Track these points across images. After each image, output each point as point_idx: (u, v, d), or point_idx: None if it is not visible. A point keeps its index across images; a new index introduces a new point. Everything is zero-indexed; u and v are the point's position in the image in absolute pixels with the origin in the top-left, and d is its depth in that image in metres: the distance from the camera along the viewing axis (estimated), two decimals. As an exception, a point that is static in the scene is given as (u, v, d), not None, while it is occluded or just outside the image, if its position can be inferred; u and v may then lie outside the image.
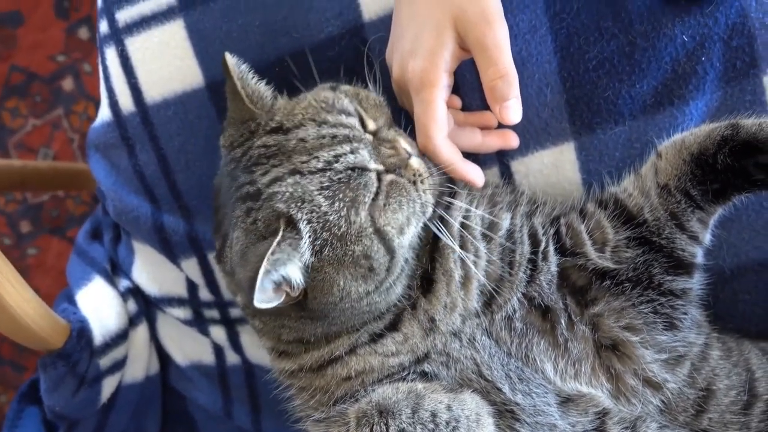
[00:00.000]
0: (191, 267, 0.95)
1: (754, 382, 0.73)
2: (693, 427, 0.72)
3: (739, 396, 0.72)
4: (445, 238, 0.69)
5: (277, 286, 0.64)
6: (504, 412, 0.68)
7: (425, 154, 0.72)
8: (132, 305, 1.00)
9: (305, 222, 0.64)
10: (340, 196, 0.64)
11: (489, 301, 0.72)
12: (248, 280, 0.62)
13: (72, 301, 0.97)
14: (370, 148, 0.68)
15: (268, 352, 0.79)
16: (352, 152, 0.66)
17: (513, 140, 0.79)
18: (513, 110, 0.68)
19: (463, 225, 0.73)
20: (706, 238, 0.74)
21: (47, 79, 1.67)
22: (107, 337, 0.94)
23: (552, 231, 0.75)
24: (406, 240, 0.67)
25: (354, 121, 0.70)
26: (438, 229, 0.69)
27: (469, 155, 0.76)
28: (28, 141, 1.69)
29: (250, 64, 0.76)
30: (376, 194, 0.66)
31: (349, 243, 0.65)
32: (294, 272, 0.64)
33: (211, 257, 0.94)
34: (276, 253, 0.62)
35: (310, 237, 0.64)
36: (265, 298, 0.63)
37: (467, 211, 0.74)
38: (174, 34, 0.86)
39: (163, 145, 0.90)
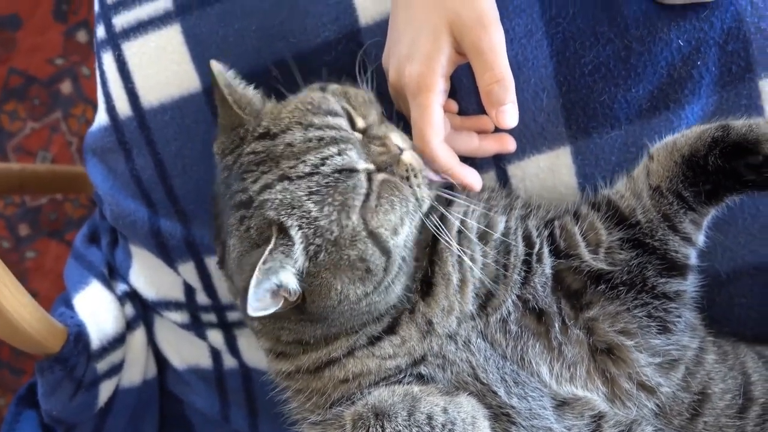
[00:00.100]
0: (188, 271, 0.95)
1: (750, 386, 0.73)
2: (688, 431, 0.72)
3: (734, 400, 0.72)
4: (445, 237, 0.69)
5: (275, 292, 0.64)
6: (500, 415, 0.69)
7: (423, 160, 0.71)
8: (129, 309, 1.00)
9: (296, 228, 0.64)
10: (329, 200, 0.64)
11: (484, 304, 0.72)
12: (242, 290, 0.62)
13: (69, 305, 0.97)
14: (359, 148, 0.68)
15: (266, 354, 0.79)
16: (339, 154, 0.66)
17: (510, 144, 0.80)
18: (509, 114, 0.68)
19: (459, 228, 0.73)
20: (700, 239, 0.74)
21: (46, 83, 1.67)
22: (104, 341, 0.94)
23: (546, 233, 0.75)
24: (401, 239, 0.67)
25: (341, 121, 0.69)
26: (437, 229, 0.69)
27: (467, 159, 0.77)
28: (26, 144, 1.69)
29: (246, 68, 0.76)
30: (367, 195, 0.66)
31: (343, 247, 0.64)
32: (289, 279, 0.64)
33: (208, 261, 0.94)
34: (268, 261, 0.62)
35: (302, 243, 0.64)
36: (260, 306, 0.63)
37: (464, 214, 0.74)
38: (171, 39, 0.87)
39: (160, 149, 0.90)
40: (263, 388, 0.89)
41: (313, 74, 0.78)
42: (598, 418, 0.69)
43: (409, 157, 0.69)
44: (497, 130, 0.79)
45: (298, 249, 0.64)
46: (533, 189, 0.83)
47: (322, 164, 0.65)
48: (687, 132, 0.74)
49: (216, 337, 1.00)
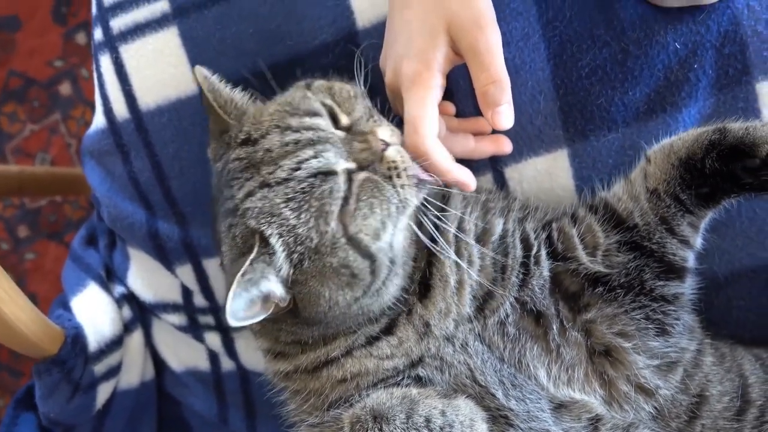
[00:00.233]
0: (186, 273, 0.95)
1: (747, 388, 0.73)
2: (686, 434, 0.72)
3: (732, 402, 0.72)
4: (439, 246, 0.68)
5: (265, 299, 0.64)
6: (498, 417, 0.69)
7: (415, 159, 0.69)
8: (127, 311, 1.00)
9: (277, 237, 0.64)
10: (306, 206, 0.63)
11: (482, 306, 0.72)
12: (224, 300, 0.62)
13: (67, 308, 0.97)
14: (339, 146, 0.66)
15: (264, 354, 0.79)
16: (315, 156, 0.64)
17: (506, 145, 0.79)
18: (505, 116, 0.68)
19: (456, 230, 0.73)
20: (697, 242, 0.74)
21: (45, 84, 1.68)
22: (102, 344, 0.94)
23: (544, 236, 0.75)
24: (385, 243, 0.66)
25: (320, 121, 0.68)
26: (432, 238, 0.68)
27: (463, 162, 0.77)
28: (25, 146, 1.70)
29: (244, 71, 0.76)
30: (346, 199, 0.64)
31: (324, 255, 0.64)
32: (273, 287, 0.64)
33: (206, 263, 0.94)
34: (247, 273, 0.62)
35: (284, 251, 0.64)
36: (247, 315, 0.63)
37: (461, 217, 0.74)
38: (168, 42, 0.87)
39: (158, 151, 0.90)
40: (261, 390, 0.89)
41: (310, 77, 0.78)
42: (596, 420, 0.69)
43: (393, 153, 0.67)
44: (494, 131, 0.79)
45: (281, 258, 0.64)
46: (531, 191, 0.83)
47: (298, 169, 0.64)
48: (684, 135, 0.74)
49: (214, 339, 1.00)
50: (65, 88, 1.67)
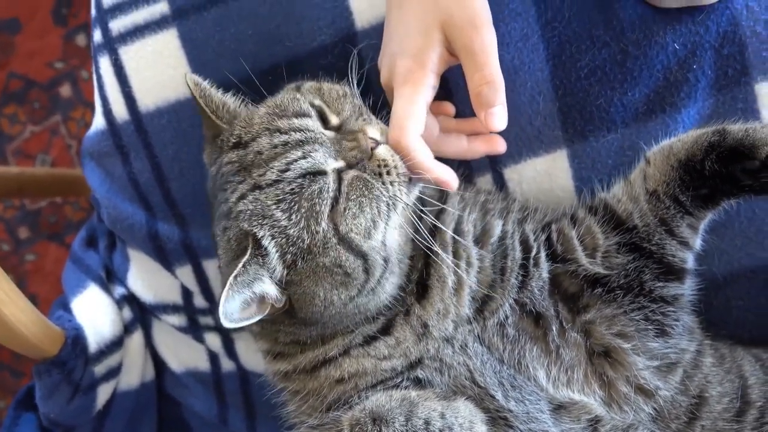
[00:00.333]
0: (186, 274, 0.95)
1: (747, 389, 0.73)
2: (685, 435, 0.72)
3: (731, 403, 0.72)
4: (436, 248, 0.68)
5: (261, 300, 0.65)
6: (497, 419, 0.69)
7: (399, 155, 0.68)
8: (127, 312, 1.00)
9: (269, 238, 0.64)
10: (296, 207, 0.63)
11: (481, 308, 0.72)
12: (218, 302, 0.62)
13: (67, 309, 0.97)
14: (328, 146, 0.66)
15: (264, 356, 0.79)
16: (303, 157, 0.65)
17: (499, 145, 0.78)
18: (498, 117, 0.67)
19: (455, 232, 0.73)
20: (697, 243, 0.74)
21: (45, 86, 1.68)
22: (102, 345, 0.95)
23: (543, 237, 0.75)
24: (377, 241, 0.66)
25: (308, 122, 0.68)
26: (427, 240, 0.68)
27: (462, 163, 0.77)
28: (26, 147, 1.70)
29: (243, 72, 0.76)
30: (336, 199, 0.64)
31: (317, 255, 0.64)
32: (267, 288, 0.64)
33: (206, 264, 0.94)
34: (240, 275, 0.62)
35: (277, 253, 0.64)
36: (242, 317, 0.64)
37: (459, 218, 0.74)
38: (167, 43, 0.87)
39: (157, 153, 0.90)
40: (261, 391, 0.89)
41: (309, 78, 0.78)
42: (595, 422, 0.69)
43: (383, 151, 0.67)
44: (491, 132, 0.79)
45: (274, 259, 0.64)
46: (530, 192, 0.83)
47: (287, 170, 0.64)
48: (683, 136, 0.74)
49: (214, 340, 1.00)
50: (65, 90, 1.67)
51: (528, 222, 0.77)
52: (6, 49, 1.68)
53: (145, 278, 1.00)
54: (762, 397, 0.73)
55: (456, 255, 0.72)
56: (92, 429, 1.00)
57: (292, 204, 0.63)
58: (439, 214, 0.72)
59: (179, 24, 0.86)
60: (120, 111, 0.90)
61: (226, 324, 0.62)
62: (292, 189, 0.64)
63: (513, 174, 0.82)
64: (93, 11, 0.91)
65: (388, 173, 0.66)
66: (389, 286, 0.69)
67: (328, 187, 0.64)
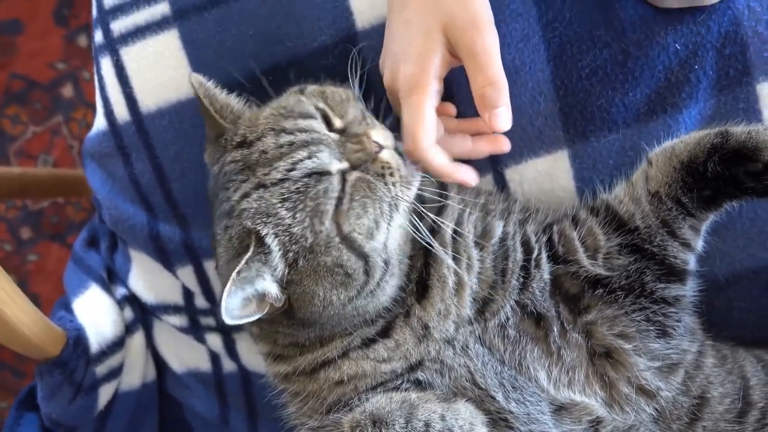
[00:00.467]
0: (187, 275, 0.95)
1: (749, 390, 0.73)
2: (686, 436, 0.71)
3: (733, 404, 0.72)
4: (435, 245, 0.69)
5: (260, 299, 0.65)
6: (498, 420, 0.68)
7: (415, 162, 0.70)
8: (128, 313, 1.00)
9: (272, 236, 0.64)
10: (301, 206, 0.64)
11: (482, 309, 0.71)
12: (219, 299, 0.62)
13: (69, 309, 0.97)
14: (333, 148, 0.67)
15: (264, 358, 0.79)
16: (309, 157, 0.65)
17: (504, 145, 0.78)
18: (502, 117, 0.67)
19: (455, 232, 0.73)
20: (699, 244, 0.74)
21: (47, 87, 1.68)
22: (103, 345, 0.95)
23: (544, 238, 0.75)
24: (379, 242, 0.66)
25: (314, 123, 0.68)
26: (427, 238, 0.68)
27: (462, 162, 0.76)
28: (28, 148, 1.70)
29: (243, 73, 0.76)
30: (340, 199, 0.65)
31: (319, 254, 0.64)
32: (268, 286, 0.65)
33: (207, 265, 0.94)
34: (243, 271, 0.62)
35: (280, 251, 0.64)
36: (242, 314, 0.64)
37: (459, 218, 0.74)
38: (168, 44, 0.87)
39: (159, 153, 0.90)
40: (262, 392, 0.89)
41: (310, 78, 0.78)
42: (596, 423, 0.69)
43: (387, 155, 0.68)
44: (494, 132, 0.79)
45: (276, 257, 0.64)
46: (531, 193, 0.83)
47: (293, 169, 0.65)
48: (686, 138, 0.73)
49: (215, 340, 1.00)
50: (67, 90, 1.68)
51: (529, 223, 0.76)
52: (8, 49, 1.68)
53: (147, 279, 1.00)
54: (763, 398, 0.73)
55: (456, 255, 0.72)
56: (94, 429, 1.00)
57: (297, 203, 0.64)
58: (438, 213, 0.72)
59: (180, 25, 0.86)
60: (121, 112, 0.90)
61: (227, 320, 0.62)
62: (298, 188, 0.64)
63: (514, 174, 0.82)
64: (94, 12, 0.91)
65: (391, 174, 0.67)
66: (390, 289, 0.69)
67: (333, 188, 0.65)
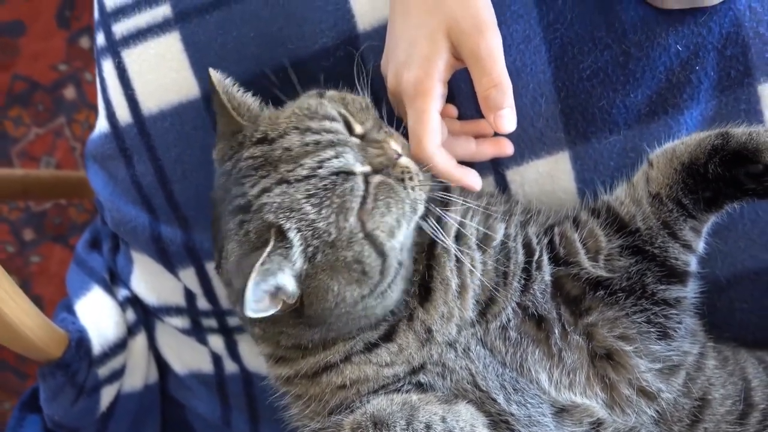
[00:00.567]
0: (189, 276, 0.96)
1: (750, 392, 0.73)
2: (688, 438, 0.71)
3: (734, 406, 0.72)
4: (441, 237, 0.69)
5: (273, 295, 0.65)
6: (499, 422, 0.68)
7: (420, 165, 0.71)
8: (131, 315, 1.01)
9: (295, 231, 0.64)
10: (327, 202, 0.64)
11: (484, 311, 0.71)
12: (240, 291, 0.62)
13: (71, 311, 0.97)
14: (356, 151, 0.68)
15: (266, 360, 0.79)
16: (336, 156, 0.66)
17: (507, 147, 0.79)
18: (507, 119, 0.68)
19: (458, 234, 0.73)
20: (700, 246, 0.74)
21: (49, 88, 1.68)
22: (106, 347, 0.95)
23: (546, 240, 0.75)
24: (398, 242, 0.67)
25: (338, 126, 0.69)
26: (434, 230, 0.69)
27: (465, 164, 0.76)
28: (30, 150, 1.70)
29: (245, 75, 0.76)
30: (364, 198, 0.66)
31: (340, 249, 0.65)
32: (287, 280, 0.64)
33: (209, 266, 0.94)
34: (266, 263, 0.62)
35: (301, 245, 0.64)
36: (259, 308, 0.64)
37: (462, 221, 0.74)
38: (170, 46, 0.87)
39: (160, 155, 0.90)
40: (264, 393, 0.89)
41: (311, 80, 0.78)
42: (597, 425, 0.69)
43: (406, 161, 0.69)
44: (496, 134, 0.79)
45: (297, 251, 0.64)
46: (532, 194, 0.83)
47: (320, 167, 0.65)
48: (686, 139, 0.73)
49: (217, 342, 1.00)
50: (69, 92, 1.68)
51: (531, 225, 0.76)
52: (10, 51, 1.69)
53: (149, 280, 1.00)
54: (765, 400, 0.73)
55: (459, 259, 0.72)
56: (96, 431, 1.00)
57: (324, 199, 0.64)
58: (440, 217, 0.73)
59: (182, 27, 0.86)
60: (123, 114, 0.91)
61: (250, 312, 0.62)
62: (325, 185, 0.65)
63: (515, 176, 0.82)
64: (96, 14, 0.91)
65: (410, 179, 0.68)
66: (397, 292, 0.70)
67: (359, 187, 0.66)
